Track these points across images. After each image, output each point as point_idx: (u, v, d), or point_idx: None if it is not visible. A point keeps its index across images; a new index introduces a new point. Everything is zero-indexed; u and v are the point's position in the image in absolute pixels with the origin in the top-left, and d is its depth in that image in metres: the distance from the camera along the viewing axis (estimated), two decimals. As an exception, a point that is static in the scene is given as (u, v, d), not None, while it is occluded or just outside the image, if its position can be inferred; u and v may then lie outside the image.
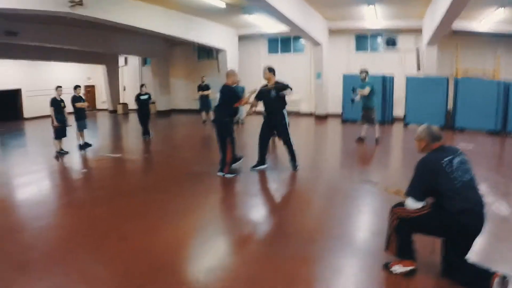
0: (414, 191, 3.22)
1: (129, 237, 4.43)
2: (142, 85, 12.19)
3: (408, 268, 3.36)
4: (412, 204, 3.21)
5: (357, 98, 10.13)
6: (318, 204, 5.74)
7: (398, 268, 3.39)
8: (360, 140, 10.45)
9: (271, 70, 7.24)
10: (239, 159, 7.46)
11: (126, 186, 6.87)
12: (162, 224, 4.86)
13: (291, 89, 7.16)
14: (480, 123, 12.44)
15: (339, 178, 7.23)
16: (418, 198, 3.20)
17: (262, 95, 7.33)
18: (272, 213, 5.34)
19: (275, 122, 7.30)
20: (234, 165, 7.32)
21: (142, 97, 11.82)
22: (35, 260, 3.87)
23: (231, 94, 7.21)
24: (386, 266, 3.48)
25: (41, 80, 19.08)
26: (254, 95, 7.38)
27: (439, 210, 3.15)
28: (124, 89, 22.90)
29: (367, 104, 10.24)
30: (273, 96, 7.10)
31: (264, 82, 7.46)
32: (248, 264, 3.76)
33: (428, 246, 3.59)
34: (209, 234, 4.54)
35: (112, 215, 5.27)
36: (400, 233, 3.32)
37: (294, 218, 5.05)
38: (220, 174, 7.05)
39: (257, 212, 5.41)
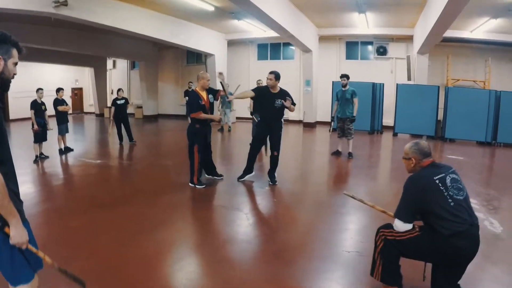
0: (403, 212, 2.95)
1: (101, 253, 4.12)
2: (119, 90, 11.95)
3: (393, 296, 3.11)
4: (400, 226, 2.95)
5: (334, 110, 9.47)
6: (302, 220, 5.45)
7: (383, 296, 3.13)
8: (337, 154, 9.64)
9: (277, 77, 6.56)
10: (219, 176, 7.23)
11: (103, 196, 6.52)
12: (136, 238, 4.55)
13: (294, 104, 6.86)
14: (470, 133, 12.38)
15: (325, 192, 6.97)
16: (407, 220, 2.93)
17: (262, 97, 6.70)
18: (253, 230, 5.01)
19: (271, 131, 6.89)
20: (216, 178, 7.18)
21: (119, 102, 11.56)
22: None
23: (189, 101, 6.92)
24: (372, 293, 3.24)
25: (28, 82, 18.50)
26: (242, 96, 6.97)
27: (430, 232, 2.89)
28: (112, 93, 22.53)
29: (346, 113, 9.19)
30: (278, 106, 6.66)
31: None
32: None
33: (416, 272, 3.33)
34: (184, 252, 4.27)
35: (85, 228, 4.93)
36: (386, 257, 3.04)
37: (277, 236, 4.74)
38: (191, 185, 6.70)
39: (236, 228, 5.07)
